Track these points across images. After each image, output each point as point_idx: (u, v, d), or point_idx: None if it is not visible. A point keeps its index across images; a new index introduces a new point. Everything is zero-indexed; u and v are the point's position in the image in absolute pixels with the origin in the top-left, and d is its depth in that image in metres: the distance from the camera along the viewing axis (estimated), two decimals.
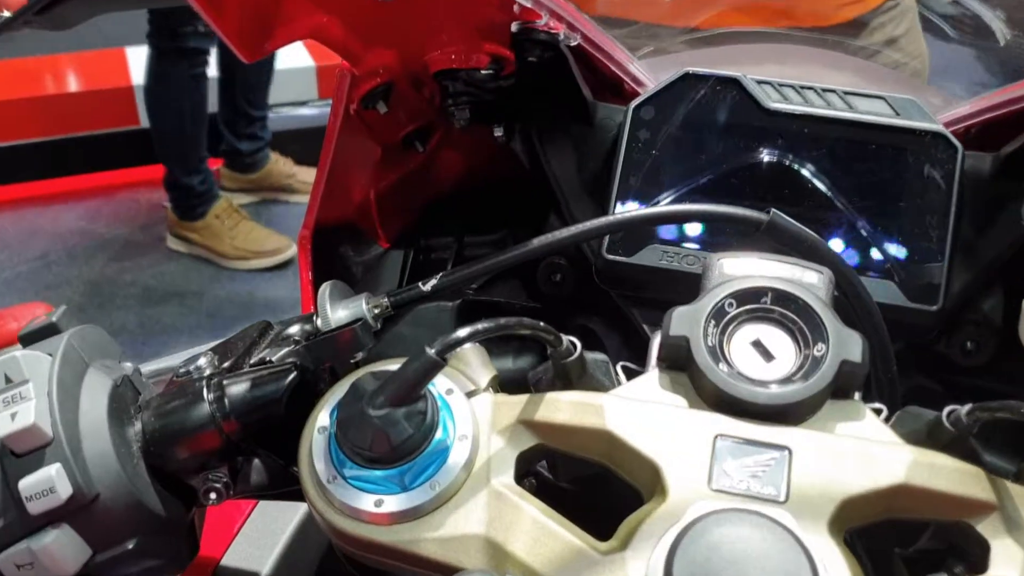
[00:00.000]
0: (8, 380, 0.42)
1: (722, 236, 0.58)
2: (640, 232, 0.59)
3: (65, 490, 0.40)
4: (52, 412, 0.41)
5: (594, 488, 0.47)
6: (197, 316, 2.60)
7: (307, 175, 3.02)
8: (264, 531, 0.59)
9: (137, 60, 3.29)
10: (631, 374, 0.48)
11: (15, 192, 3.17)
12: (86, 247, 2.97)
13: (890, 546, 0.46)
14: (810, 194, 0.59)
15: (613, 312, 0.64)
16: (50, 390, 0.42)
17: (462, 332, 0.42)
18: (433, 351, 0.41)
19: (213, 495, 0.45)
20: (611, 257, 0.59)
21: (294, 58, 3.24)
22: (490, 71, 0.61)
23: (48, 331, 0.45)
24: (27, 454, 0.41)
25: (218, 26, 0.47)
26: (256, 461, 0.48)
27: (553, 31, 0.58)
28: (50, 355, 0.43)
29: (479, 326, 0.42)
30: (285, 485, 0.48)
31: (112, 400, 0.44)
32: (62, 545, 0.41)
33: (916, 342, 0.58)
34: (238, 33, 0.48)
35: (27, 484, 0.40)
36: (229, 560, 0.57)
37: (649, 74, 0.65)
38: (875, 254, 0.57)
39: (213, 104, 2.83)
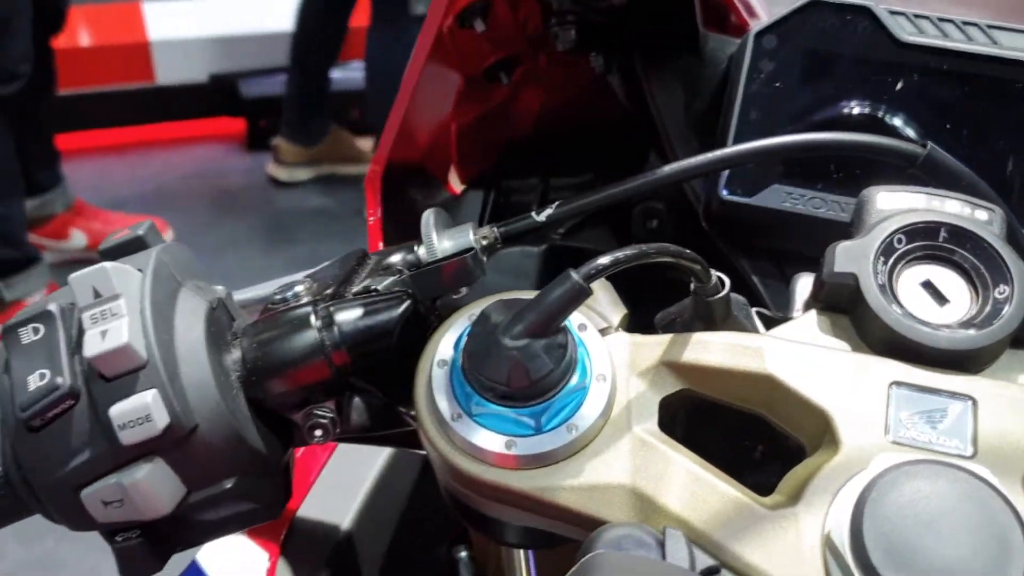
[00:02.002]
0: (97, 294, 0.37)
1: (857, 176, 0.53)
2: (761, 171, 0.54)
3: (162, 419, 0.36)
4: (146, 332, 0.37)
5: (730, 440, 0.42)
6: None
7: (365, 144, 2.97)
8: (343, 479, 0.55)
9: (154, 15, 3.24)
10: (767, 321, 0.44)
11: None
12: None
13: None
14: (947, 134, 0.54)
15: (712, 263, 0.59)
16: (143, 308, 0.37)
17: (604, 259, 0.37)
18: (579, 276, 0.36)
19: (319, 432, 0.40)
20: (729, 197, 0.54)
21: None
22: None
23: (134, 245, 0.41)
24: (117, 378, 0.36)
25: None
26: (356, 400, 0.43)
27: None
28: (140, 270, 0.38)
29: (620, 253, 0.38)
30: (386, 427, 0.44)
31: (209, 324, 0.39)
32: (156, 481, 0.36)
33: None
34: None
35: (119, 411, 0.35)
36: (306, 510, 0.53)
37: (764, 3, 0.60)
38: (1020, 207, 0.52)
39: None
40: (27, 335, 0.37)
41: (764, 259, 0.56)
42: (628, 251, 0.38)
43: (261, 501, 0.40)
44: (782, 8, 0.58)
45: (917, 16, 0.56)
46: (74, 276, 0.37)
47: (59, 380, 0.36)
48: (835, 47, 0.55)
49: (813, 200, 0.54)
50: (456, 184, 0.74)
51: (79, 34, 3.20)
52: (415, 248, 0.45)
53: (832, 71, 0.55)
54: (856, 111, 0.55)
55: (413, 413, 0.42)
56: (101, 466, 0.36)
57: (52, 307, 0.38)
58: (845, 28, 0.56)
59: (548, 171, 0.67)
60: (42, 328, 0.37)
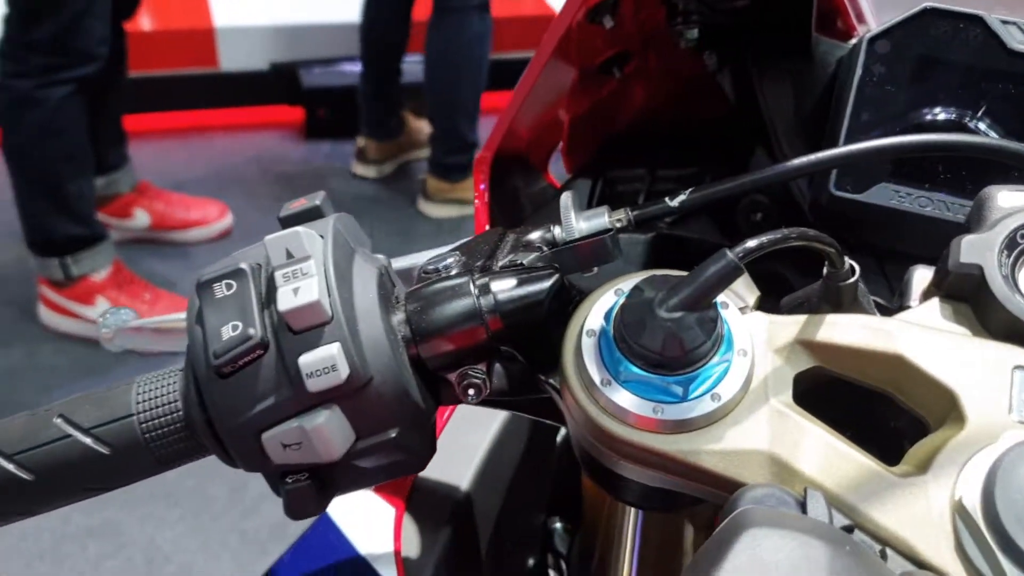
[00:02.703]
0: (289, 255, 0.40)
1: (963, 177, 0.55)
2: (872, 169, 0.56)
3: (344, 370, 0.39)
4: (331, 291, 0.40)
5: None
6: None
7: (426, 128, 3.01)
8: (460, 444, 0.58)
9: (219, 2, 3.31)
10: (882, 310, 0.46)
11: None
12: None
13: None
14: None
15: (807, 258, 0.62)
16: (327, 269, 0.41)
17: (753, 241, 0.40)
18: (733, 255, 0.39)
19: (472, 391, 0.44)
20: (839, 193, 0.57)
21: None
22: None
23: (312, 214, 0.44)
24: (304, 331, 0.40)
25: None
26: (498, 366, 0.46)
27: None
28: (322, 236, 0.42)
29: (766, 237, 0.41)
30: (523, 392, 0.47)
31: (379, 287, 0.43)
32: (332, 427, 0.40)
33: None
34: None
35: (308, 360, 0.39)
36: (429, 471, 0.56)
37: (872, 9, 0.62)
38: None
39: None
40: (220, 290, 0.41)
41: (866, 253, 0.58)
42: (774, 234, 0.40)
43: (414, 453, 0.44)
44: (894, 14, 0.60)
45: None
46: (269, 238, 0.41)
47: (251, 331, 0.40)
48: (947, 54, 0.58)
49: (920, 199, 0.56)
50: (555, 173, 0.77)
51: (146, 19, 3.27)
52: (551, 228, 0.48)
53: (943, 76, 0.57)
54: (965, 116, 0.58)
55: (551, 381, 0.45)
56: (284, 411, 0.40)
57: (244, 265, 0.41)
58: (957, 36, 0.58)
59: (652, 164, 0.70)
60: (234, 284, 0.41)
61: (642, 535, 0.54)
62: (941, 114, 0.58)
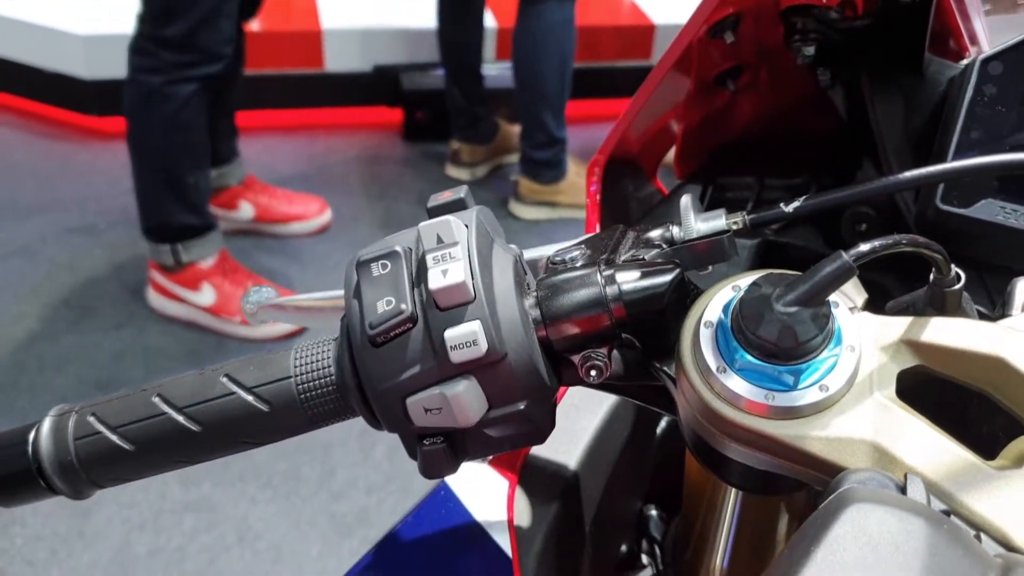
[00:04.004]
0: (439, 240, 0.45)
1: None
2: (978, 185, 0.59)
3: (483, 345, 0.43)
4: (474, 274, 0.44)
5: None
6: None
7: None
8: (571, 427, 0.62)
9: (327, 6, 3.42)
10: (984, 319, 0.49)
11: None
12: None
13: None
14: None
15: (907, 270, 0.64)
16: (471, 255, 0.45)
17: (866, 246, 0.43)
18: (849, 257, 0.42)
19: (594, 372, 0.47)
20: (945, 207, 0.59)
21: None
22: (838, 12, 0.61)
23: (457, 205, 0.49)
24: (450, 309, 0.44)
25: None
26: (615, 352, 0.50)
27: None
28: (467, 225, 0.46)
29: (878, 241, 0.44)
30: (638, 378, 0.51)
31: (515, 273, 0.47)
32: (470, 395, 0.44)
33: None
34: None
35: (453, 335, 0.43)
36: (540, 449, 0.60)
37: (986, 32, 0.65)
38: None
39: None
40: (377, 269, 0.46)
41: (968, 266, 0.60)
42: (886, 239, 0.43)
43: (537, 425, 0.48)
44: (1008, 37, 0.62)
45: None
46: (423, 224, 0.45)
47: (403, 306, 0.44)
48: None
49: (1023, 215, 0.58)
50: (663, 179, 0.80)
51: (257, 20, 3.40)
52: (670, 227, 0.52)
53: None
54: None
55: (665, 368, 0.49)
56: (428, 378, 0.44)
57: (398, 248, 0.46)
58: None
59: (760, 173, 0.73)
60: (389, 264, 0.46)
61: (739, 519, 0.57)
62: None
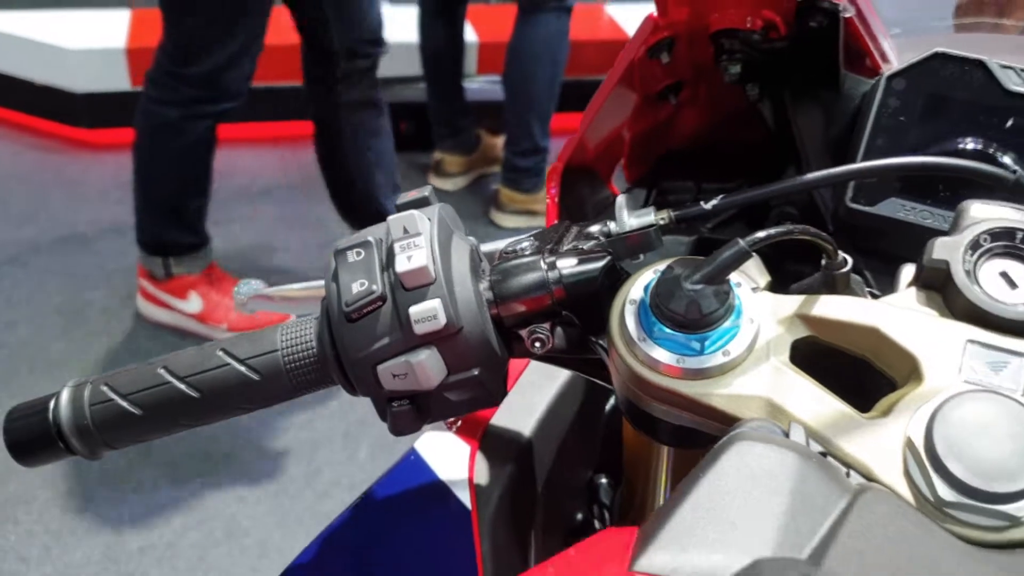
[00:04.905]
0: (405, 231, 0.53)
1: (960, 195, 0.65)
2: (882, 186, 0.67)
3: (443, 319, 0.51)
4: (435, 260, 0.52)
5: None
6: None
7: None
8: (527, 400, 0.70)
9: None
10: (875, 299, 0.57)
11: None
12: (251, 190, 3.17)
13: None
14: None
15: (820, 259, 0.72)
16: (433, 244, 0.53)
17: (762, 233, 0.51)
18: (744, 243, 0.50)
19: (538, 344, 0.56)
20: (854, 206, 0.67)
21: None
22: (761, 34, 0.70)
23: (422, 202, 0.57)
24: (414, 289, 0.52)
25: None
26: (559, 329, 0.58)
27: (835, 2, 0.67)
28: (430, 219, 0.55)
29: (773, 229, 0.52)
30: (578, 351, 0.59)
31: (471, 260, 0.55)
32: (431, 362, 0.52)
33: None
34: None
35: (417, 311, 0.51)
36: (497, 419, 0.68)
37: (895, 52, 0.73)
38: None
39: None
40: (352, 256, 0.54)
41: (876, 257, 0.69)
42: (779, 228, 0.52)
43: (490, 390, 0.56)
44: (911, 56, 0.71)
45: (1023, 70, 0.68)
46: (392, 217, 0.53)
47: (375, 287, 0.52)
48: (953, 91, 0.68)
49: (922, 212, 0.66)
50: (617, 183, 0.89)
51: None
52: (608, 223, 0.60)
53: (949, 111, 0.68)
54: (968, 146, 0.68)
55: (602, 342, 0.57)
56: (396, 348, 0.52)
57: (370, 238, 0.54)
58: (963, 77, 0.68)
59: (699, 178, 0.82)
60: (363, 251, 0.54)
61: (672, 476, 0.65)
62: (963, 143, 0.68)
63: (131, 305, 2.59)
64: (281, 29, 3.48)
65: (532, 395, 0.70)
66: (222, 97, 2.23)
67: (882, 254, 0.69)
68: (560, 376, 0.72)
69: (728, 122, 0.81)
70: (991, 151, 0.67)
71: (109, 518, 2.01)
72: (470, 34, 3.40)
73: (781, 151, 0.76)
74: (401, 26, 3.41)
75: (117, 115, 3.31)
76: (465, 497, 0.62)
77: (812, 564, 0.39)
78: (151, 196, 2.35)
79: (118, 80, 3.28)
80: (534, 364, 0.73)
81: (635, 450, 0.66)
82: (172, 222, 2.36)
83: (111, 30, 3.39)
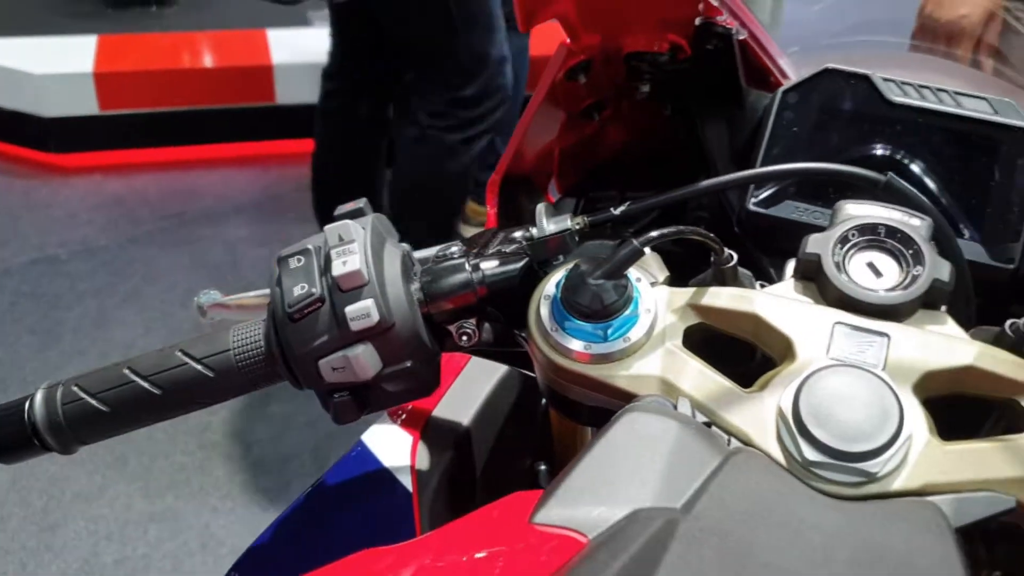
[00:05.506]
0: (340, 239, 0.59)
1: (846, 197, 0.73)
2: (779, 190, 0.74)
3: (376, 317, 0.58)
4: (368, 264, 0.59)
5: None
6: None
7: None
8: (469, 389, 0.77)
9: (277, 42, 3.56)
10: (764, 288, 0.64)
11: (157, 155, 3.46)
12: (220, 210, 3.22)
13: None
14: (915, 172, 0.73)
15: (741, 260, 0.79)
16: (366, 250, 0.59)
17: (655, 232, 0.58)
18: (637, 242, 0.57)
19: (465, 338, 0.62)
20: (754, 208, 0.74)
21: None
22: (668, 56, 0.77)
23: (358, 213, 0.63)
24: (349, 290, 0.58)
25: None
26: (486, 324, 0.65)
27: (728, 26, 0.74)
28: (363, 228, 0.61)
29: (666, 229, 0.59)
30: (504, 344, 0.65)
31: (402, 264, 0.62)
32: (367, 356, 0.58)
33: (991, 303, 0.72)
34: (523, 5, 0.66)
35: (352, 309, 0.57)
36: (439, 411, 0.74)
37: (793, 68, 0.81)
38: (964, 223, 0.71)
39: None
40: (294, 262, 0.60)
41: (776, 254, 0.76)
42: (670, 229, 0.58)
43: (423, 381, 0.62)
44: (805, 71, 0.78)
45: (903, 83, 0.75)
46: (328, 227, 0.60)
47: (314, 290, 0.58)
48: (841, 103, 0.75)
49: (814, 213, 0.73)
50: (553, 193, 0.96)
51: (211, 57, 3.54)
52: (530, 229, 0.67)
53: (837, 122, 0.75)
54: (856, 151, 0.75)
55: (524, 334, 0.63)
56: (334, 344, 0.58)
57: (309, 246, 0.60)
58: (849, 90, 0.75)
59: (624, 187, 0.89)
60: (303, 258, 0.60)
61: None
62: (850, 150, 0.75)
63: (102, 324, 2.63)
64: (251, 51, 3.55)
65: (471, 388, 0.77)
66: (495, 106, 2.28)
67: (784, 251, 0.76)
68: (498, 371, 0.79)
69: (649, 135, 0.89)
70: (874, 156, 0.74)
71: (84, 533, 2.05)
72: None
73: (694, 161, 0.83)
74: None
75: (86, 139, 3.36)
76: (408, 482, 0.68)
77: (683, 512, 0.46)
78: (422, 220, 2.38)
79: (86, 104, 3.33)
80: (474, 360, 0.80)
81: (562, 433, 0.73)
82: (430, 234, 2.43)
83: (78, 55, 3.43)
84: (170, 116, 3.42)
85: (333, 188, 2.55)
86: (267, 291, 0.76)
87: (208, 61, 3.52)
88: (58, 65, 3.36)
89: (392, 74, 2.41)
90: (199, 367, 0.62)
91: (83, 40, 3.56)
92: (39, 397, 0.64)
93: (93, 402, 0.63)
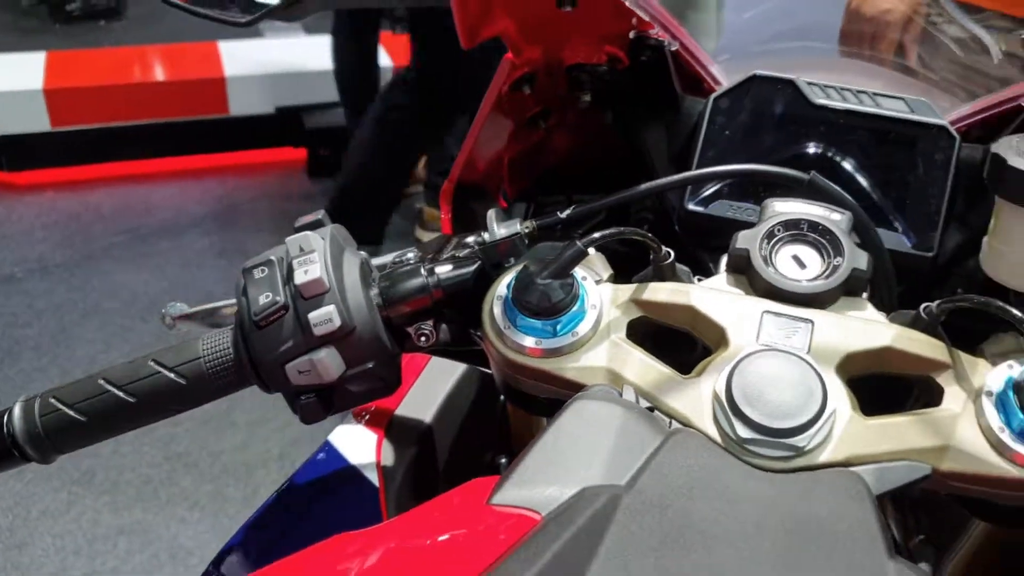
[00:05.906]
0: (301, 249, 0.63)
1: (774, 195, 0.78)
2: (714, 190, 0.79)
3: (337, 321, 0.61)
4: (329, 272, 0.62)
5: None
6: None
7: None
8: (427, 390, 0.80)
9: (229, 54, 3.57)
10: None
11: (111, 170, 3.45)
12: (177, 222, 3.23)
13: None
14: (841, 169, 0.79)
15: (682, 257, 0.84)
16: (326, 259, 0.63)
17: (597, 234, 0.63)
18: (580, 243, 0.62)
19: (424, 338, 0.66)
20: (691, 208, 0.79)
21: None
22: (607, 67, 0.82)
23: (317, 224, 0.67)
24: (312, 297, 0.62)
25: (457, 16, 0.69)
26: (443, 325, 0.69)
27: (660, 38, 0.79)
28: (323, 238, 0.65)
29: (608, 231, 0.63)
30: (461, 344, 0.70)
31: (361, 271, 0.65)
32: (330, 359, 0.61)
33: (914, 288, 0.77)
34: (464, 23, 0.70)
35: (315, 315, 0.61)
36: (402, 410, 0.78)
37: (724, 75, 0.85)
38: (888, 214, 0.77)
39: None
40: (258, 273, 0.63)
41: (715, 250, 0.80)
42: (611, 230, 0.63)
43: (385, 381, 0.66)
44: (735, 78, 0.83)
45: (827, 86, 0.81)
46: (289, 239, 0.63)
47: (278, 298, 0.62)
48: (769, 107, 0.80)
49: (747, 211, 0.78)
50: (505, 198, 1.00)
51: (163, 70, 3.54)
52: (482, 234, 0.71)
53: (766, 124, 0.80)
54: (785, 152, 0.80)
55: (479, 333, 0.67)
56: (299, 349, 0.62)
57: (272, 256, 0.64)
58: (776, 94, 0.80)
59: (572, 192, 0.93)
60: (266, 268, 0.63)
61: None
62: (779, 151, 0.80)
63: (63, 341, 2.63)
64: (203, 64, 3.55)
65: (432, 387, 0.81)
66: None
67: (722, 247, 0.81)
68: (457, 369, 0.83)
69: (593, 142, 0.93)
70: (805, 155, 0.79)
71: (52, 550, 2.06)
72: (384, 59, 3.50)
73: (636, 165, 0.88)
74: (318, 54, 3.51)
75: (38, 156, 3.34)
76: (374, 478, 0.72)
77: (627, 488, 0.50)
78: None
79: (38, 121, 3.31)
80: (434, 360, 0.84)
81: (519, 426, 0.77)
82: None
83: (27, 72, 3.41)
84: (123, 130, 3.41)
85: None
86: (233, 301, 0.79)
87: (160, 74, 3.52)
88: (7, 83, 3.33)
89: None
90: (172, 375, 0.65)
91: (31, 57, 3.54)
92: (17, 410, 0.66)
93: (71, 412, 0.65)
